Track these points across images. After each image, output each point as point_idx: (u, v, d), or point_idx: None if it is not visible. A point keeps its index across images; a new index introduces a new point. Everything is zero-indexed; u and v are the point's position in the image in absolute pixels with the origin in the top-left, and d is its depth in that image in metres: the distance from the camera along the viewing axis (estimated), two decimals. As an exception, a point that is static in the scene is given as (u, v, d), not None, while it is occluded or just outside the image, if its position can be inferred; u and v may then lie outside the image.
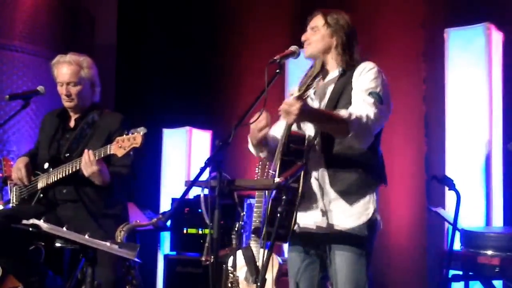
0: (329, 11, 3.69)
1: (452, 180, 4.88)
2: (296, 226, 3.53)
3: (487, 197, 5.43)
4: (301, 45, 3.69)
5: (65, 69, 4.75)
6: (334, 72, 3.63)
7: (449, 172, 5.56)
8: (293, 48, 3.58)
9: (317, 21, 3.67)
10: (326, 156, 3.50)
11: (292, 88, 3.29)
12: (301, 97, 3.22)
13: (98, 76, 4.89)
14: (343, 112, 3.31)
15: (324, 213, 3.51)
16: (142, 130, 4.30)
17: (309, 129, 3.55)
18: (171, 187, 7.34)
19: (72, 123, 4.87)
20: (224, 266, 5.00)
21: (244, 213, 4.99)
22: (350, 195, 3.51)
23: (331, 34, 3.64)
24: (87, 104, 4.84)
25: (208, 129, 7.55)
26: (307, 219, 3.56)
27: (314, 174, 3.52)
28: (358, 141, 3.39)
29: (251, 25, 7.40)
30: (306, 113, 3.22)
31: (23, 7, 6.81)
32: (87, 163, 4.42)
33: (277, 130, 3.70)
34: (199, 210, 5.20)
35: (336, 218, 3.51)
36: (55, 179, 4.67)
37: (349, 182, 3.50)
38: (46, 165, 4.76)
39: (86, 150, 4.48)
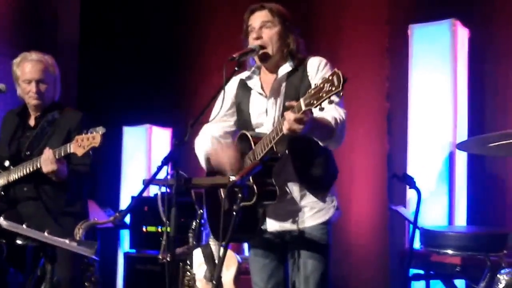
0: (273, 6, 3.65)
1: (413, 178, 4.87)
2: (263, 227, 3.58)
3: (450, 196, 5.44)
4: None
5: (34, 66, 4.75)
6: (284, 67, 3.59)
7: (412, 170, 5.56)
8: (252, 46, 3.57)
9: (267, 15, 3.61)
10: (293, 160, 3.50)
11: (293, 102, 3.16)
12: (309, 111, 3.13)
13: (59, 75, 4.90)
14: (328, 119, 3.30)
15: (292, 214, 3.54)
16: (101, 130, 4.31)
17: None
18: (132, 185, 7.36)
19: (32, 122, 4.87)
20: (181, 264, 5.00)
21: (202, 211, 4.99)
22: (318, 190, 3.55)
23: (284, 30, 3.60)
24: (49, 102, 4.84)
25: (168, 127, 7.60)
26: (274, 222, 3.58)
27: (283, 176, 3.52)
28: (337, 144, 3.42)
29: (213, 22, 7.40)
30: (311, 127, 3.18)
31: (-19, 3, 6.72)
32: (47, 161, 4.45)
33: (219, 128, 3.77)
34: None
35: (304, 217, 3.54)
36: (16, 177, 4.68)
37: (317, 179, 3.54)
38: (6, 163, 4.77)
39: (47, 148, 4.50)
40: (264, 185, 3.37)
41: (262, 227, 3.57)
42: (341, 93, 2.96)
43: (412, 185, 4.82)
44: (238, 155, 3.52)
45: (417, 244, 4.88)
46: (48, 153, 4.45)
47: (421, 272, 5.06)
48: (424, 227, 4.86)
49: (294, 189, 3.54)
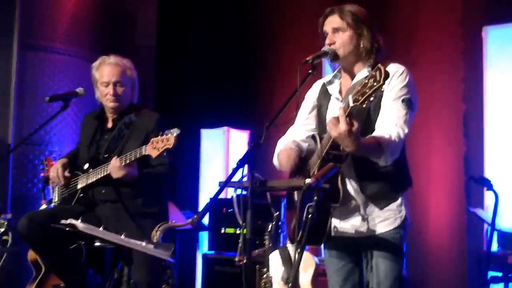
0: (346, 8, 3.60)
1: (490, 181, 4.83)
2: (334, 230, 3.55)
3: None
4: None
5: (112, 69, 4.81)
6: (362, 72, 3.55)
7: (489, 172, 5.52)
8: (325, 48, 3.54)
9: (338, 20, 3.57)
10: (355, 164, 3.48)
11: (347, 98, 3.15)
12: (353, 114, 3.10)
13: (137, 78, 4.95)
14: (379, 138, 3.29)
15: (362, 217, 3.51)
16: (175, 131, 4.32)
17: None
18: (210, 187, 7.37)
19: (110, 124, 4.93)
20: (258, 266, 5.02)
21: (278, 213, 4.99)
22: (380, 199, 3.50)
23: (356, 31, 3.56)
24: (126, 105, 4.90)
25: (246, 129, 7.58)
26: (346, 224, 3.56)
27: (347, 179, 3.50)
28: (386, 162, 3.37)
29: (290, 24, 7.40)
30: (354, 144, 3.15)
31: (65, 9, 6.86)
32: (114, 169, 4.52)
33: (301, 132, 3.75)
34: (230, 210, 5.23)
35: (373, 223, 3.51)
36: (94, 180, 4.73)
37: (379, 187, 3.49)
38: (86, 166, 4.82)
39: (114, 158, 4.56)
40: (331, 185, 3.29)
41: (334, 230, 3.55)
42: (382, 88, 2.93)
43: (490, 187, 4.78)
44: (297, 157, 3.55)
45: (495, 247, 4.84)
46: (114, 162, 4.52)
47: (499, 274, 5.00)
48: (502, 229, 4.83)
49: (357, 194, 3.51)
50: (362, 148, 3.19)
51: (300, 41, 6.75)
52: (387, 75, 2.94)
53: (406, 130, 3.37)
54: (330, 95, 3.68)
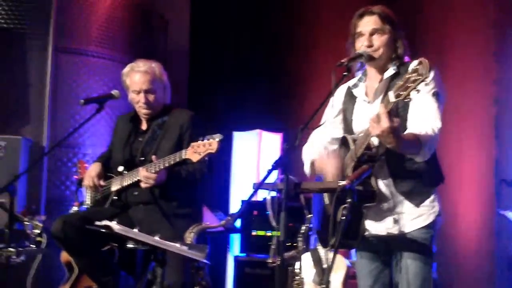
0: (383, 9, 3.57)
1: (521, 183, 4.83)
2: (367, 232, 3.55)
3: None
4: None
5: (142, 77, 4.79)
6: (388, 71, 3.54)
7: (520, 175, 5.49)
8: (361, 51, 3.52)
9: (377, 21, 3.54)
10: (389, 162, 3.47)
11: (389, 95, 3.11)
12: (393, 110, 3.11)
13: (168, 79, 4.95)
14: (417, 134, 3.28)
15: (395, 217, 3.50)
16: (218, 137, 4.33)
17: (374, 137, 3.42)
18: (241, 189, 7.37)
19: (144, 126, 4.94)
20: (290, 268, 5.02)
21: (312, 215, 5.01)
22: (415, 195, 3.49)
23: (393, 35, 3.55)
24: (160, 107, 4.91)
25: (279, 132, 7.55)
26: (378, 225, 3.55)
27: (381, 178, 3.49)
28: (424, 158, 3.36)
29: (323, 27, 7.40)
30: (397, 140, 3.15)
31: (98, 12, 6.90)
32: (145, 179, 4.55)
33: (328, 134, 3.75)
34: (267, 212, 5.25)
35: (406, 221, 3.49)
36: (129, 182, 4.76)
37: (413, 184, 3.48)
38: (120, 168, 4.85)
39: (142, 169, 4.58)
40: (364, 186, 3.33)
41: (365, 231, 3.54)
42: (428, 81, 2.95)
43: (521, 190, 4.77)
44: (340, 163, 3.50)
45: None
46: (142, 173, 4.54)
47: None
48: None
49: (391, 193, 3.50)
50: (403, 144, 3.20)
51: (333, 44, 6.72)
52: (431, 67, 2.93)
53: (440, 124, 3.35)
54: (356, 98, 3.67)
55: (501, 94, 5.94)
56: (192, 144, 4.39)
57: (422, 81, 2.95)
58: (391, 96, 3.04)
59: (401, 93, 3.01)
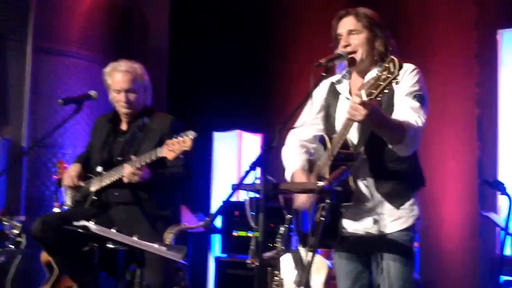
0: (360, 10, 3.58)
1: (504, 185, 4.82)
2: (345, 231, 3.54)
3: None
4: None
5: (123, 76, 4.81)
6: (372, 72, 3.51)
7: (502, 176, 5.49)
8: (340, 51, 3.52)
9: (354, 22, 3.55)
10: (370, 162, 3.47)
11: (360, 90, 3.11)
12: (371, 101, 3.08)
13: (149, 81, 4.96)
14: (400, 120, 3.28)
15: (375, 217, 3.50)
16: (191, 134, 4.34)
17: (353, 136, 3.49)
18: (222, 190, 7.38)
19: (124, 126, 4.95)
20: (269, 268, 5.02)
21: (291, 216, 4.99)
22: (396, 198, 3.49)
23: (371, 34, 3.54)
24: (140, 108, 4.91)
25: (259, 132, 7.58)
26: (356, 224, 3.55)
27: (361, 178, 3.49)
28: (407, 150, 3.36)
29: (303, 28, 7.40)
30: (375, 117, 3.15)
31: (78, 13, 6.90)
32: (129, 176, 4.54)
33: (308, 132, 3.75)
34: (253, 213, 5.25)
35: (386, 222, 3.49)
36: (108, 182, 4.75)
37: (394, 186, 3.48)
38: (99, 169, 4.84)
39: (127, 165, 4.57)
40: (342, 186, 3.29)
41: (344, 231, 3.54)
42: (398, 80, 2.93)
43: (503, 191, 4.77)
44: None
45: (508, 251, 4.82)
46: (128, 170, 4.54)
47: (512, 279, 4.99)
48: (515, 234, 4.81)
49: (371, 193, 3.50)
50: (386, 121, 3.21)
51: (313, 45, 6.70)
52: (401, 65, 2.92)
53: (424, 119, 3.35)
54: (339, 94, 3.67)
55: (484, 96, 5.93)
56: (167, 142, 4.40)
57: (393, 79, 2.94)
58: (363, 94, 3.03)
59: (372, 91, 3.00)
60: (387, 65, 2.95)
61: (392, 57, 2.96)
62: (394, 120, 3.29)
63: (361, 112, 3.07)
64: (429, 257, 5.95)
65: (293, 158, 3.74)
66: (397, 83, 2.99)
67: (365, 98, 3.03)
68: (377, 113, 3.15)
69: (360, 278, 3.67)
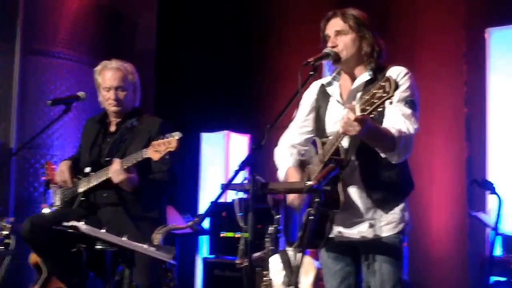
0: (348, 11, 3.58)
1: (493, 184, 4.82)
2: (336, 233, 3.55)
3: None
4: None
5: (113, 74, 4.82)
6: (363, 76, 3.53)
7: (491, 176, 5.50)
8: (327, 50, 3.52)
9: (341, 23, 3.55)
10: (361, 169, 3.48)
11: (353, 104, 3.08)
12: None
13: (139, 81, 4.96)
14: (392, 130, 3.28)
15: (371, 222, 3.51)
16: (177, 135, 4.33)
17: (343, 143, 3.46)
18: (210, 191, 7.39)
19: (113, 128, 4.94)
20: (258, 269, 5.00)
21: (279, 216, 4.98)
22: (386, 203, 3.51)
23: (358, 34, 3.54)
24: (129, 109, 4.91)
25: (246, 133, 7.60)
26: (350, 230, 3.56)
27: (352, 185, 3.50)
28: (399, 158, 3.36)
29: (291, 27, 7.41)
30: (368, 131, 3.14)
31: (66, 15, 6.90)
32: (116, 172, 4.53)
33: (299, 136, 3.77)
34: (240, 214, 5.25)
35: (380, 227, 3.51)
36: (95, 183, 4.74)
37: (385, 192, 3.49)
38: (87, 169, 4.83)
39: (115, 160, 4.56)
40: (329, 192, 3.30)
41: (333, 232, 3.55)
42: (391, 100, 2.92)
43: (493, 190, 4.78)
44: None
45: (498, 251, 4.82)
46: (116, 165, 4.53)
47: (503, 279, 4.98)
48: (505, 234, 4.80)
49: (362, 200, 3.51)
50: (374, 130, 3.19)
51: (301, 44, 6.74)
52: (397, 86, 2.92)
53: (416, 126, 3.37)
54: (330, 96, 3.66)
55: (472, 96, 5.94)
56: (153, 143, 4.41)
57: (387, 99, 2.93)
58: (357, 109, 3.02)
59: (366, 107, 2.99)
60: (383, 84, 2.94)
61: (388, 76, 2.96)
62: (386, 130, 3.29)
63: (356, 128, 3.08)
64: (418, 257, 5.95)
65: (285, 158, 3.76)
66: (391, 103, 2.99)
67: (358, 113, 3.02)
68: (369, 128, 3.14)
69: (347, 278, 3.69)
